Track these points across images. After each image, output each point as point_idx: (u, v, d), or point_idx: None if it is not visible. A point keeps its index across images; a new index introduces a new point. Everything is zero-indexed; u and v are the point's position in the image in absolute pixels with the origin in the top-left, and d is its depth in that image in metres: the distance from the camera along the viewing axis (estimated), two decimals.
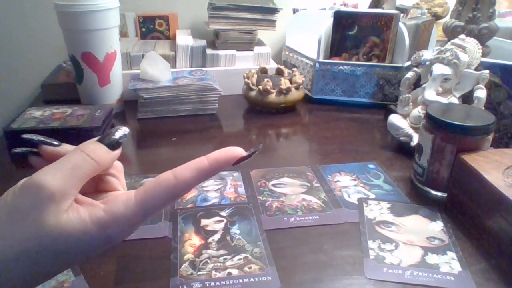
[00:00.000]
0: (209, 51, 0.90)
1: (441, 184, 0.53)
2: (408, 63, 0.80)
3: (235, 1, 0.89)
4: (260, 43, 0.98)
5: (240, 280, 0.39)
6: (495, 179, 0.44)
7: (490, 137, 0.50)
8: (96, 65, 0.74)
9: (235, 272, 0.40)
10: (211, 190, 0.55)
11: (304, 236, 0.46)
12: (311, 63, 0.87)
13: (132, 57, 0.87)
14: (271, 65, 0.93)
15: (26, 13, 0.99)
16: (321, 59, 0.85)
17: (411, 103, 0.66)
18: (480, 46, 0.63)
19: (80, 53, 0.73)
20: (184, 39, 0.90)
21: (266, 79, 0.79)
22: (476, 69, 0.62)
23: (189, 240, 0.45)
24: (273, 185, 0.56)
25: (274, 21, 0.93)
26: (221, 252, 0.43)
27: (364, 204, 0.52)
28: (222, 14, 0.89)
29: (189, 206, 0.51)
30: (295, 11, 1.03)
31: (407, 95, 0.66)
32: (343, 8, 1.03)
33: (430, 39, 0.94)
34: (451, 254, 0.43)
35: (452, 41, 0.63)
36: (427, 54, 0.67)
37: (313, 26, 0.90)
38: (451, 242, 0.45)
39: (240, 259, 0.42)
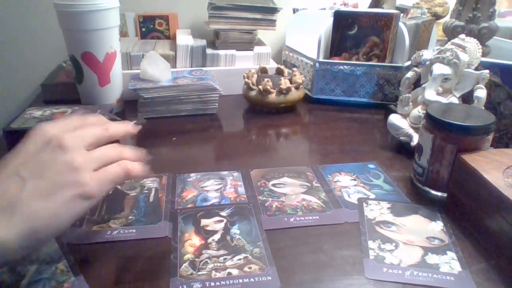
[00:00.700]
0: (209, 51, 0.90)
1: (441, 184, 0.53)
2: (408, 63, 0.80)
3: (235, 1, 0.89)
4: (260, 43, 0.98)
5: (240, 280, 0.39)
6: (495, 179, 0.44)
7: (490, 137, 0.50)
8: (96, 65, 0.74)
9: (235, 272, 0.40)
10: (211, 190, 0.55)
11: (304, 236, 0.46)
12: (311, 63, 0.87)
13: (132, 57, 0.87)
14: (271, 65, 0.93)
15: (26, 13, 0.99)
16: (321, 59, 0.85)
17: (411, 103, 0.66)
18: (480, 46, 0.63)
19: (80, 53, 0.73)
20: (184, 39, 0.90)
21: (266, 79, 0.79)
22: (476, 69, 0.61)
23: (189, 240, 0.45)
24: (273, 185, 0.56)
25: (274, 20, 0.93)
26: (221, 252, 0.43)
27: (364, 204, 0.52)
28: (222, 14, 0.89)
29: (189, 206, 0.51)
30: (295, 10, 1.03)
31: (407, 95, 0.66)
32: (343, 8, 1.03)
33: (430, 39, 0.94)
34: (451, 254, 0.43)
35: (452, 40, 0.63)
36: (427, 54, 0.67)
37: (313, 26, 0.90)
38: (451, 242, 0.45)
39: (240, 259, 0.42)
